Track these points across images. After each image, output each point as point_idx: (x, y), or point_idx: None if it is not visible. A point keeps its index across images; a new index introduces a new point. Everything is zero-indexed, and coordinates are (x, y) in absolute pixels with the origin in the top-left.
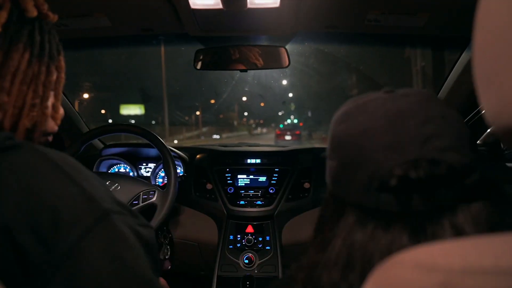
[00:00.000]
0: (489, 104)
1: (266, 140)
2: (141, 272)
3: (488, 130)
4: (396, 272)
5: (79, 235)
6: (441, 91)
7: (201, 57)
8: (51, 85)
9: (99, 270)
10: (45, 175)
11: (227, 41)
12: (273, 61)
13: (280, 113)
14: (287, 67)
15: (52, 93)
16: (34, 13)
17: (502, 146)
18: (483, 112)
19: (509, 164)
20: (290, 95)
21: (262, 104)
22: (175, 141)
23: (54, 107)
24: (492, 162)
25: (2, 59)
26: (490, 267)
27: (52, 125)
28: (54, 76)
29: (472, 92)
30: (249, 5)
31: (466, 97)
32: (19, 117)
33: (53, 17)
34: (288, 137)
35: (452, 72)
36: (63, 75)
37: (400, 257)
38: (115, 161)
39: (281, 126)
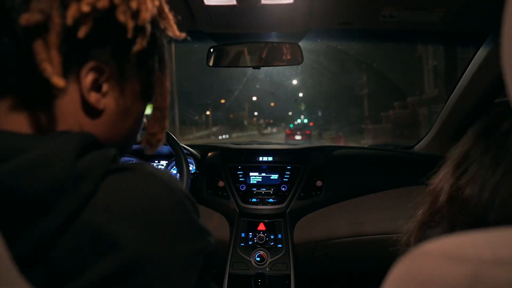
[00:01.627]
0: None
1: (276, 139)
2: None
3: None
4: (423, 263)
5: (194, 284)
6: (456, 87)
7: (214, 54)
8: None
9: None
10: (161, 203)
11: (240, 38)
12: (286, 58)
13: (290, 113)
14: (300, 63)
15: None
16: (176, 32)
17: None
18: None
19: None
20: (300, 94)
21: (272, 104)
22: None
23: None
24: None
25: (160, 81)
26: None
27: None
28: None
29: (490, 88)
30: (262, 2)
31: (483, 92)
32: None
33: (180, 35)
34: (298, 137)
35: (468, 68)
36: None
37: (427, 248)
38: (127, 158)
39: (291, 125)
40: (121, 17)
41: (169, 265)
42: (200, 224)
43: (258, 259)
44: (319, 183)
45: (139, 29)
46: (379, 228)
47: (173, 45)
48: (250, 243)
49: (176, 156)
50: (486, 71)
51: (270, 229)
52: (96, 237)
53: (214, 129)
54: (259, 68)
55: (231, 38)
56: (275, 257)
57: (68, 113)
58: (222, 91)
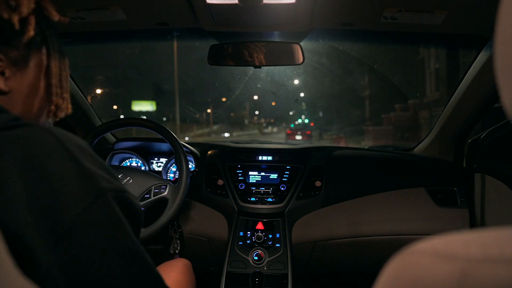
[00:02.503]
0: (509, 97)
1: (276, 139)
2: (130, 248)
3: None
4: (414, 261)
5: (76, 216)
6: (456, 90)
7: (215, 52)
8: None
9: (92, 250)
10: (47, 149)
11: (241, 37)
12: (287, 58)
13: (291, 113)
14: (301, 63)
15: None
16: (57, 17)
17: None
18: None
19: None
20: (302, 94)
21: (273, 103)
22: (186, 138)
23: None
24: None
25: (47, 63)
26: (511, 256)
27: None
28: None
29: (490, 91)
30: (264, 1)
31: (482, 98)
32: (49, 103)
33: (65, 20)
34: (298, 137)
35: (469, 71)
36: (68, 70)
37: (418, 247)
38: (127, 155)
39: (292, 125)
40: (4, 15)
41: (57, 210)
42: (93, 170)
43: (256, 258)
44: (318, 183)
45: (24, 21)
46: (378, 229)
47: (175, 43)
48: (248, 242)
49: (175, 154)
50: (487, 75)
51: (268, 228)
52: None
53: (215, 127)
54: (260, 67)
55: (233, 36)
56: (273, 257)
57: None
58: (223, 89)
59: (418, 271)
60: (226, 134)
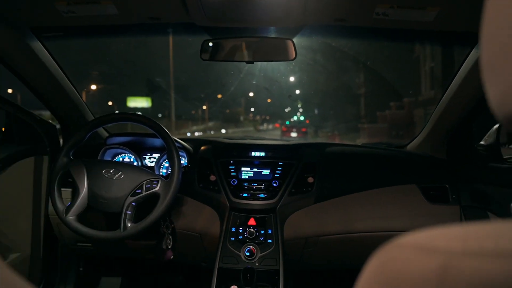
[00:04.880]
0: (494, 92)
1: (271, 136)
2: None
3: (490, 131)
4: (395, 254)
5: None
6: (449, 88)
7: (207, 48)
8: None
9: None
10: None
11: (234, 32)
12: (279, 54)
13: (286, 110)
14: (293, 59)
15: None
16: None
17: (501, 146)
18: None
19: (503, 165)
20: (297, 92)
21: (269, 100)
22: (188, 134)
23: None
24: (490, 162)
25: None
26: (490, 250)
27: None
28: None
29: (480, 91)
30: None
31: (474, 95)
32: None
33: None
34: (294, 134)
35: (461, 69)
36: None
37: (400, 241)
38: (119, 150)
39: (287, 122)
40: None
41: None
42: None
43: (247, 253)
44: (310, 179)
45: None
46: (370, 226)
47: (170, 39)
48: (240, 237)
49: (167, 149)
50: (479, 73)
51: (260, 224)
52: None
53: (210, 124)
54: (253, 63)
55: (225, 32)
56: (265, 252)
57: None
58: (218, 86)
59: (400, 264)
60: (222, 131)
